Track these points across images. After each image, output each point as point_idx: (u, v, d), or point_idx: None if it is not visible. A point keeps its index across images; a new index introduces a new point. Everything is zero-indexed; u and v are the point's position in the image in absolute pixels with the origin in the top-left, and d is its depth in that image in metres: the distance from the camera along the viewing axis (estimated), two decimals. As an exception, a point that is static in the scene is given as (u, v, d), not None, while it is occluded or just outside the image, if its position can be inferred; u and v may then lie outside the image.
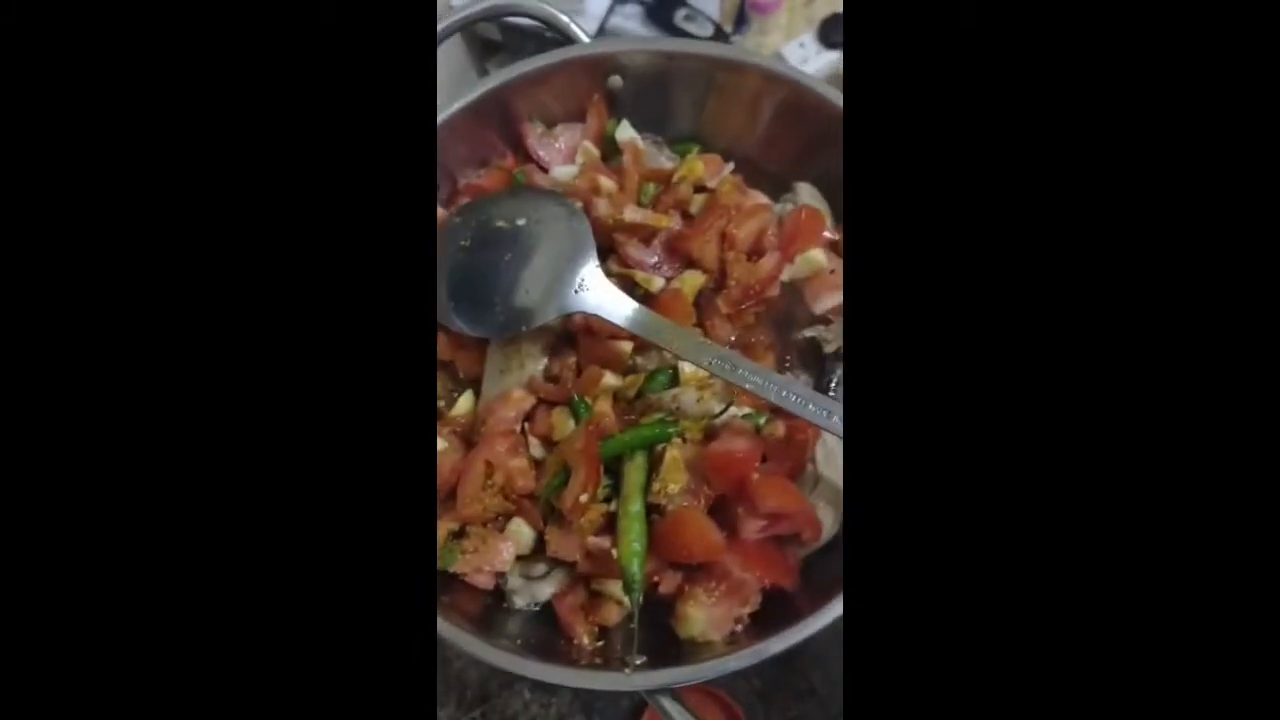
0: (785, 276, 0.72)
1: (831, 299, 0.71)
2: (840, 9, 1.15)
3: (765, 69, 0.74)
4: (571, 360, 0.69)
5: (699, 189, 0.74)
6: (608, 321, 0.63)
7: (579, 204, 0.70)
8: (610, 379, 0.66)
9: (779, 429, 0.65)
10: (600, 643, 0.63)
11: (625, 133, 0.78)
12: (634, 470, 0.62)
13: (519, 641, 0.62)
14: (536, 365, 0.68)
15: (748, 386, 0.58)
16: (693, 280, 0.70)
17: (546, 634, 0.64)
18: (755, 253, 0.71)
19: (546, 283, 0.65)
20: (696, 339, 0.63)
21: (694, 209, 0.73)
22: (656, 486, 0.61)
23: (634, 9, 1.15)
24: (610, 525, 0.62)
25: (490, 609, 0.65)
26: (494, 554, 0.63)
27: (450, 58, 1.15)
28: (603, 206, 0.70)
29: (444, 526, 0.63)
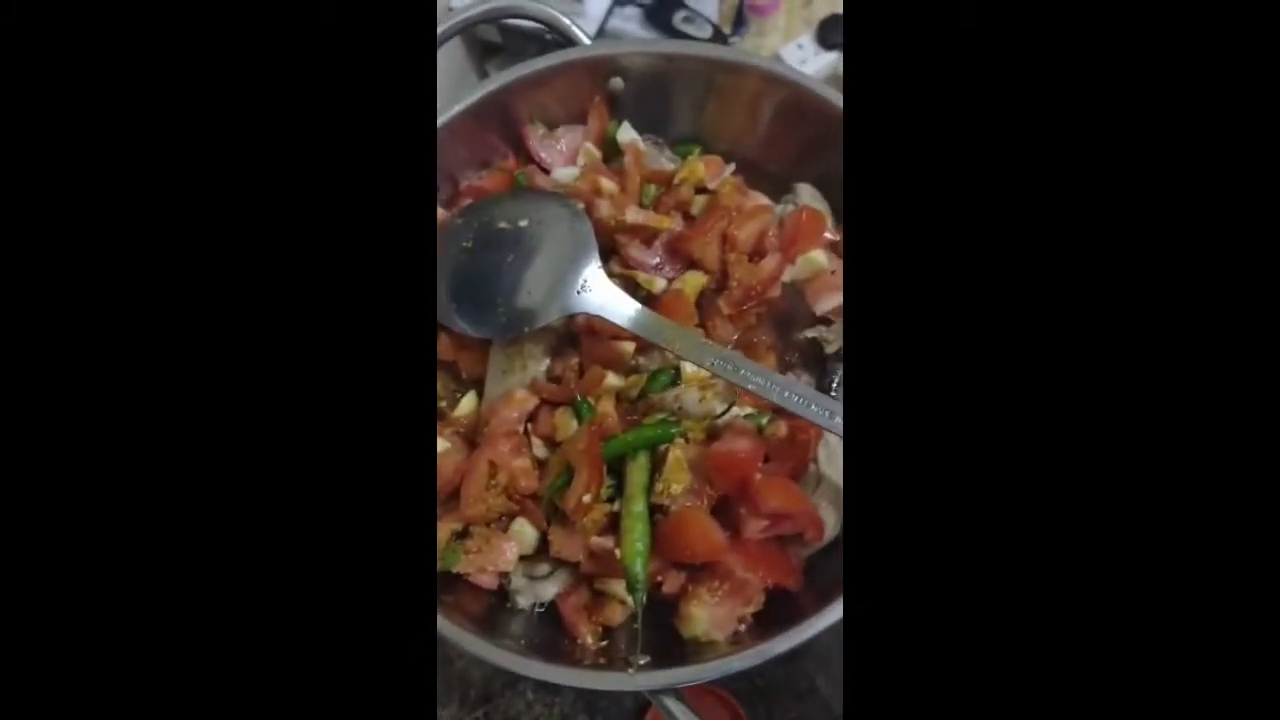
0: (786, 277, 0.72)
1: (832, 300, 0.71)
2: (838, 10, 1.15)
3: (765, 70, 0.74)
4: (574, 361, 0.69)
5: (700, 190, 0.75)
6: (610, 322, 0.64)
7: (581, 205, 0.70)
8: (613, 379, 0.66)
9: (781, 429, 0.65)
10: (604, 643, 0.63)
11: (626, 134, 0.78)
12: (637, 470, 0.62)
13: (522, 641, 0.62)
14: (539, 366, 0.68)
15: (750, 387, 0.58)
16: (694, 281, 0.70)
17: (550, 634, 0.64)
18: (756, 254, 0.71)
19: (549, 284, 0.66)
20: (698, 340, 0.63)
21: (695, 210, 0.74)
22: (659, 486, 0.61)
23: (633, 11, 1.15)
24: (613, 525, 0.62)
25: (494, 609, 0.65)
26: (497, 554, 0.63)
27: (451, 60, 1.15)
28: (604, 208, 0.70)
29: (447, 527, 0.63)
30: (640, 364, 0.69)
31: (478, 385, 0.71)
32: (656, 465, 0.63)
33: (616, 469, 0.63)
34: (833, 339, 0.72)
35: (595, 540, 0.61)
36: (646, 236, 0.71)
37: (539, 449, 0.66)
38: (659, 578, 0.61)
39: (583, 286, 0.65)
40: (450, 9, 0.84)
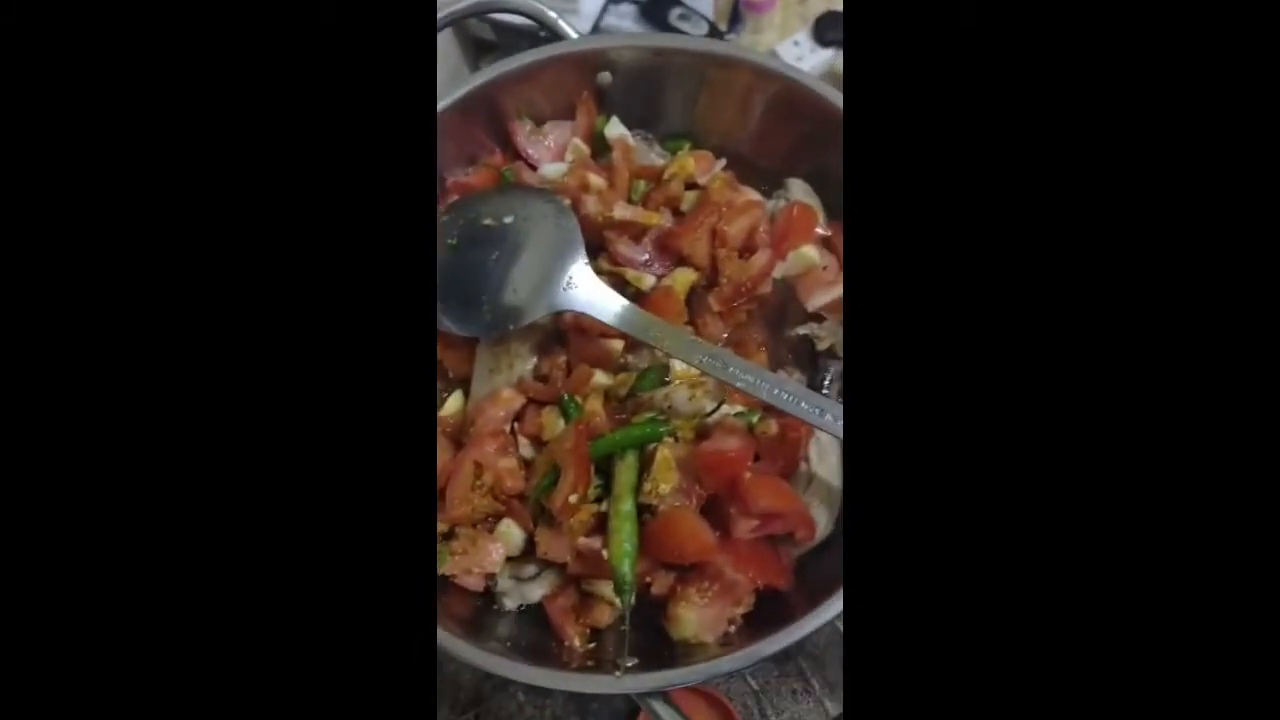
0: (777, 273, 0.71)
1: (824, 296, 0.71)
2: (834, 7, 1.14)
3: (756, 64, 0.73)
4: (561, 359, 0.68)
5: (690, 186, 0.74)
6: (597, 319, 0.63)
7: (566, 201, 0.69)
8: (600, 378, 0.65)
9: (772, 427, 0.64)
10: (592, 644, 0.63)
11: (615, 130, 0.77)
12: (625, 470, 0.61)
13: (510, 644, 0.61)
14: (526, 364, 0.68)
15: (740, 385, 0.58)
16: (684, 278, 0.69)
17: (538, 636, 0.63)
18: (747, 250, 0.70)
19: (535, 281, 0.65)
20: (688, 337, 0.62)
21: (685, 206, 0.73)
22: (648, 486, 0.60)
23: (628, 8, 1.14)
24: (601, 526, 0.61)
25: (480, 611, 0.65)
26: (483, 555, 0.62)
27: (443, 57, 1.15)
28: (592, 204, 0.69)
29: (433, 528, 0.63)
30: (629, 362, 0.68)
31: (464, 384, 0.70)
32: (645, 464, 0.62)
33: (604, 469, 0.63)
34: (824, 335, 0.71)
35: (583, 541, 0.60)
36: (635, 233, 0.71)
37: (525, 449, 0.65)
38: (647, 579, 0.61)
39: (569, 283, 0.64)
40: (437, 2, 0.83)
